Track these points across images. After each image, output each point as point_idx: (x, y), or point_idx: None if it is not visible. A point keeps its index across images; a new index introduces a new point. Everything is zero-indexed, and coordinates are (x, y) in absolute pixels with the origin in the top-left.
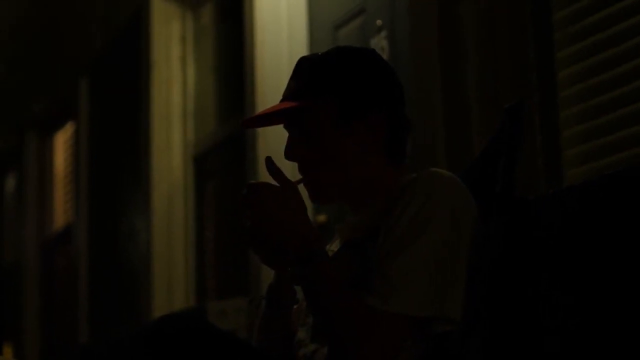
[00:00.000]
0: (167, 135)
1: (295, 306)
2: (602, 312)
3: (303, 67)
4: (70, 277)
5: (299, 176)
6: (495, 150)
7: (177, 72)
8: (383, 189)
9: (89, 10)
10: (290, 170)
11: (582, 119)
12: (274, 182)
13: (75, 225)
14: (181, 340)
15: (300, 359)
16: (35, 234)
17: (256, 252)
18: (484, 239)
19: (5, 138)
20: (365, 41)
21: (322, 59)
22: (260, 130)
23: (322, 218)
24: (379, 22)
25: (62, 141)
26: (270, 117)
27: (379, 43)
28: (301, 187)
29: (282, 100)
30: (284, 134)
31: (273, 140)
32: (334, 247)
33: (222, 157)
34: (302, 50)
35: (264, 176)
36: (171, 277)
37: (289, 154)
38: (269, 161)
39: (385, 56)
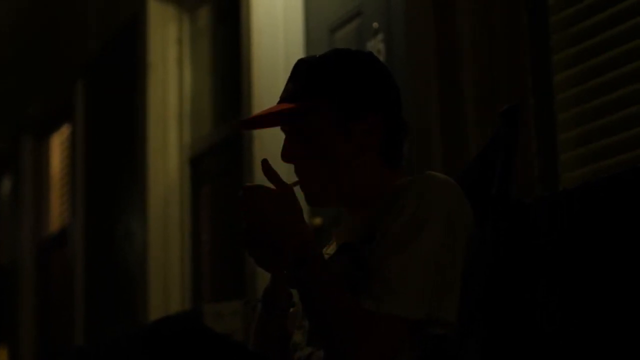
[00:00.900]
0: (163, 137)
1: (291, 309)
2: (599, 315)
3: (300, 69)
4: (66, 279)
5: (295, 178)
6: (491, 154)
7: (174, 74)
8: (379, 191)
9: (85, 13)
10: (286, 172)
11: (579, 122)
12: (270, 185)
13: (71, 227)
14: (177, 343)
15: None
16: (31, 236)
17: (251, 254)
18: (479, 242)
19: (1, 140)
20: (362, 44)
21: (319, 61)
22: (256, 132)
23: (317, 221)
24: (375, 25)
25: (58, 143)
26: (267, 119)
27: (376, 46)
28: (297, 190)
29: (279, 102)
30: (280, 137)
31: (269, 142)
32: (330, 250)
33: (218, 160)
34: (299, 53)
35: (260, 179)
36: (167, 279)
37: (286, 156)
38: (265, 163)
39: (381, 59)
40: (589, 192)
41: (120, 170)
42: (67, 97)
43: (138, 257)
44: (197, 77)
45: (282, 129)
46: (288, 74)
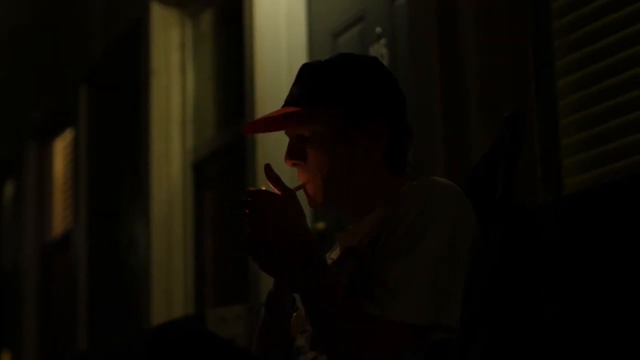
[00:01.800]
0: (166, 142)
1: (294, 313)
2: (602, 319)
3: (305, 74)
4: (69, 283)
5: (298, 182)
6: (494, 159)
7: (177, 79)
8: (383, 197)
9: (88, 17)
10: (289, 176)
11: (582, 127)
12: (273, 189)
13: (74, 232)
14: (180, 348)
15: None
16: (34, 240)
17: (255, 259)
18: (483, 247)
19: (5, 144)
20: (365, 49)
21: (324, 65)
22: (259, 137)
23: (320, 225)
24: (378, 29)
25: (61, 148)
26: (271, 124)
27: (379, 51)
28: (300, 194)
29: (283, 106)
30: (283, 142)
31: (272, 147)
32: (333, 255)
33: (221, 165)
34: (301, 58)
35: (263, 183)
36: (170, 284)
37: (289, 160)
38: (268, 168)
39: (384, 64)
40: (592, 198)
41: (123, 175)
42: (70, 101)
43: (141, 261)
44: (200, 82)
45: (286, 133)
46: (291, 79)
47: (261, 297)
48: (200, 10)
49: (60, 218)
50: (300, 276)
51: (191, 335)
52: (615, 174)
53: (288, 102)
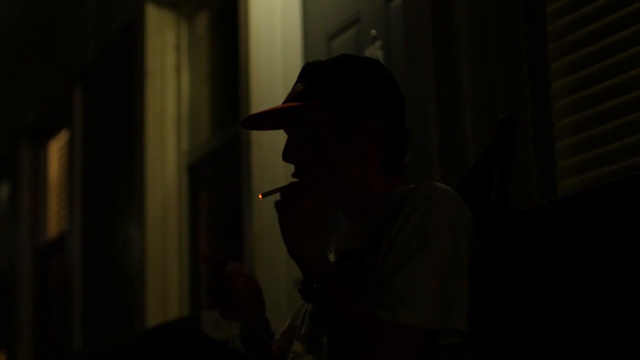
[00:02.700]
0: (161, 143)
1: (275, 338)
2: (597, 322)
3: (307, 72)
4: (64, 285)
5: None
6: (489, 161)
7: (172, 81)
8: (378, 198)
9: (83, 19)
10: (283, 173)
11: (576, 130)
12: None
13: (69, 233)
14: (175, 349)
15: None
16: (28, 242)
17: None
18: (478, 249)
19: None
20: (360, 51)
21: (325, 64)
22: (254, 138)
23: None
24: (373, 32)
25: (55, 149)
26: (270, 122)
27: (374, 53)
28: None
29: (284, 102)
30: (278, 143)
31: (267, 149)
32: (330, 257)
33: (216, 166)
34: (296, 60)
35: (258, 185)
36: (165, 285)
37: (287, 156)
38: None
39: None
40: (586, 200)
41: (118, 177)
42: (65, 103)
43: (136, 263)
44: (195, 84)
45: (285, 131)
46: (286, 81)
47: None
48: (196, 12)
49: (55, 219)
50: (311, 287)
51: (186, 337)
52: (610, 176)
53: (288, 99)
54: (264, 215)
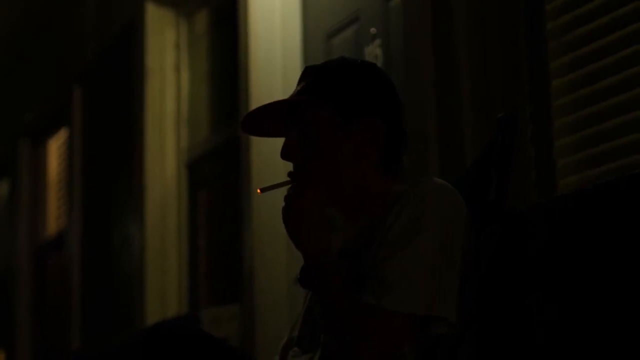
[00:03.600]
0: (161, 142)
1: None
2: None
3: (307, 73)
4: (63, 283)
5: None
6: (488, 160)
7: (171, 79)
8: (376, 197)
9: (82, 17)
10: (283, 171)
11: (575, 128)
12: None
13: (68, 231)
14: (174, 347)
15: None
16: (28, 240)
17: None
18: (476, 247)
19: None
20: (359, 50)
21: (325, 65)
22: (253, 137)
23: None
24: (373, 30)
25: (55, 148)
26: (271, 127)
27: (373, 51)
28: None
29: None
30: (278, 142)
31: (266, 148)
32: None
33: (215, 165)
34: (296, 59)
35: (257, 184)
36: (164, 284)
37: (285, 154)
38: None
39: (379, 64)
40: (586, 199)
41: (117, 175)
42: (65, 101)
43: (135, 261)
44: (195, 82)
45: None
46: (285, 80)
47: (255, 297)
48: (195, 10)
49: (54, 217)
50: (311, 275)
51: (185, 335)
52: (609, 175)
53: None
54: (263, 213)
